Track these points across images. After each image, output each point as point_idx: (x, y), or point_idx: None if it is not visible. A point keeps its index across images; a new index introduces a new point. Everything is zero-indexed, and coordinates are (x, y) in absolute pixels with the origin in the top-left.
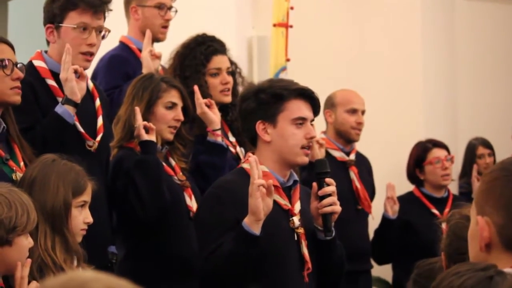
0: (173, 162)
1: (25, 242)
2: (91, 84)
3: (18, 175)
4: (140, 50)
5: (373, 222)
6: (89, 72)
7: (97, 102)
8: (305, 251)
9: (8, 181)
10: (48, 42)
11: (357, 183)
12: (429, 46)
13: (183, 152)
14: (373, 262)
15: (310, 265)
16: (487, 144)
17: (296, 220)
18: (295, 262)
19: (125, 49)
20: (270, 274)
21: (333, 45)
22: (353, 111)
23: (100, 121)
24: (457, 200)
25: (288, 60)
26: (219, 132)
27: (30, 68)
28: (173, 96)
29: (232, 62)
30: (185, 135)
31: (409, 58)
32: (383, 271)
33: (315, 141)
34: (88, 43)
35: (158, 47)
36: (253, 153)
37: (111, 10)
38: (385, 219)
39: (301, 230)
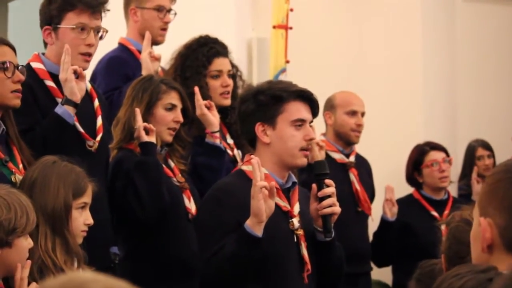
0: (172, 164)
1: (25, 243)
2: (89, 85)
3: (17, 177)
4: (139, 52)
5: (373, 224)
6: (88, 74)
7: (96, 103)
8: (304, 252)
9: (7, 183)
10: (45, 44)
11: (357, 185)
12: (429, 48)
13: (182, 154)
14: (372, 265)
15: (309, 266)
16: (486, 146)
17: (295, 221)
18: (295, 263)
19: (124, 51)
20: (270, 276)
21: (333, 47)
22: (353, 113)
23: (99, 121)
24: (457, 202)
25: (287, 62)
26: (217, 134)
27: (28, 70)
28: (173, 98)
29: (233, 65)
30: (184, 136)
31: (409, 60)
32: (383, 274)
33: (315, 143)
34: (86, 43)
35: (157, 48)
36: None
37: (108, 10)
38: (384, 221)
39: (300, 232)
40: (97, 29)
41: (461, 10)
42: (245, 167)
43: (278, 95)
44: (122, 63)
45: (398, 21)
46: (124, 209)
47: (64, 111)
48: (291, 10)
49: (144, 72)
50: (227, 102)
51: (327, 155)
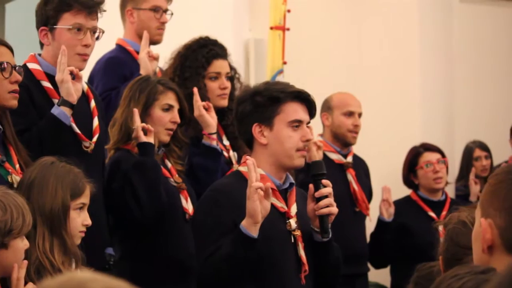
0: (169, 164)
1: (21, 244)
2: (85, 86)
3: (14, 177)
4: (137, 52)
5: (371, 225)
6: (85, 75)
7: (92, 103)
8: (302, 253)
9: (3, 183)
10: (42, 45)
11: (354, 186)
12: (426, 49)
13: (179, 155)
14: (370, 266)
15: (307, 267)
16: (484, 147)
17: (292, 222)
18: (292, 264)
19: (122, 51)
20: (267, 277)
21: (330, 48)
22: (350, 114)
23: (95, 122)
24: (455, 203)
25: (285, 63)
26: (214, 136)
27: (24, 71)
28: (170, 98)
29: (231, 67)
30: (181, 137)
31: (407, 61)
32: (381, 276)
33: (313, 143)
34: (83, 43)
35: (155, 47)
36: (250, 156)
37: (105, 10)
38: (380, 222)
39: (298, 233)
40: (93, 30)
41: (458, 11)
42: (242, 168)
43: (275, 96)
44: (119, 64)
45: (396, 22)
46: (122, 209)
47: (61, 112)
48: (289, 11)
49: (142, 72)
50: (224, 102)
51: (325, 156)
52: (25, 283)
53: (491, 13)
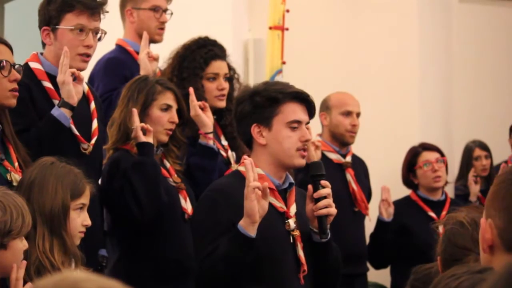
0: (168, 164)
1: (20, 245)
2: (86, 87)
3: (13, 175)
4: (137, 52)
5: (370, 225)
6: (85, 75)
7: (92, 105)
8: (300, 253)
9: (2, 181)
10: (44, 45)
11: (353, 185)
12: (425, 49)
13: (178, 155)
14: (369, 266)
15: (306, 267)
16: (484, 147)
17: (291, 222)
18: (291, 264)
19: (122, 52)
20: (266, 277)
21: (329, 47)
22: (348, 114)
23: (94, 124)
24: (455, 203)
25: (284, 62)
26: (211, 136)
27: (26, 70)
28: (168, 98)
29: (230, 68)
30: (180, 137)
31: (406, 61)
32: (380, 276)
33: (311, 143)
34: (85, 44)
35: (154, 47)
36: (249, 156)
37: (107, 12)
38: (380, 222)
39: (296, 233)
40: (95, 31)
41: (457, 11)
42: (241, 168)
43: (274, 97)
44: (120, 64)
45: (395, 22)
46: (121, 209)
47: (61, 113)
48: (287, 11)
49: (142, 72)
50: (222, 104)
51: (324, 156)
52: (25, 283)
53: (490, 13)
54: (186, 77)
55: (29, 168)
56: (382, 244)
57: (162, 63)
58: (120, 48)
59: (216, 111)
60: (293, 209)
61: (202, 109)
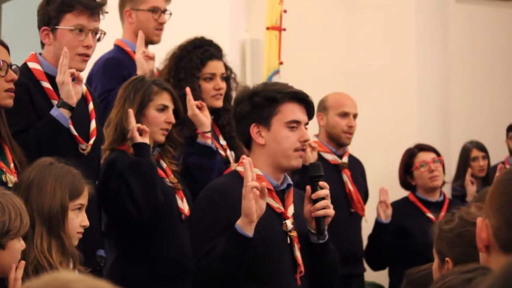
0: (164, 165)
1: (18, 245)
2: (84, 88)
3: (8, 176)
4: (135, 53)
5: (366, 226)
6: (83, 75)
7: (91, 106)
8: (297, 254)
9: None
10: (43, 45)
11: (350, 186)
12: (422, 50)
13: (174, 155)
14: (367, 267)
15: (302, 268)
16: (481, 147)
17: (289, 223)
18: (288, 265)
19: (120, 52)
20: (263, 277)
21: (326, 48)
22: (345, 115)
23: (93, 124)
24: (453, 203)
25: (281, 63)
26: (209, 135)
27: (25, 70)
28: (165, 99)
29: (227, 68)
30: (176, 137)
31: (403, 62)
32: (377, 276)
33: (307, 144)
34: (84, 44)
35: (151, 48)
36: (248, 157)
37: (107, 12)
38: (378, 224)
39: (294, 234)
40: (95, 31)
41: (454, 12)
42: (240, 168)
43: (272, 97)
44: (118, 65)
45: (392, 22)
46: (118, 210)
47: (60, 114)
48: (285, 11)
49: (139, 72)
50: (219, 103)
51: (320, 156)
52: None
53: (487, 14)
54: (183, 77)
55: (28, 168)
56: (380, 246)
57: (159, 64)
58: (118, 48)
59: (213, 111)
60: (290, 210)
61: (200, 108)
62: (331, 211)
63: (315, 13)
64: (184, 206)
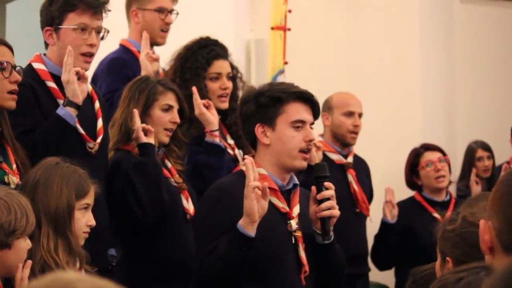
0: (169, 164)
1: (24, 244)
2: (90, 87)
3: (10, 177)
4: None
5: (371, 226)
6: (89, 75)
7: (97, 104)
8: (302, 254)
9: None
10: (46, 45)
11: (355, 186)
12: (427, 50)
13: (179, 155)
14: (373, 267)
15: (307, 268)
16: (486, 147)
17: (293, 223)
18: (293, 265)
19: (126, 52)
20: (267, 277)
21: (331, 48)
22: (350, 114)
23: (100, 123)
24: (459, 203)
25: (286, 63)
26: (217, 133)
27: (30, 71)
28: (170, 99)
29: (233, 67)
30: (181, 137)
31: (407, 62)
32: (382, 276)
33: (312, 143)
34: (88, 43)
35: (156, 49)
36: (253, 156)
37: (109, 10)
38: (384, 224)
39: (298, 234)
40: (98, 29)
41: (458, 12)
42: (244, 168)
43: (277, 96)
44: (123, 65)
45: (396, 22)
46: (123, 210)
47: (66, 112)
48: (289, 11)
49: (143, 73)
50: (225, 105)
51: (325, 156)
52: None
53: (491, 14)
54: (189, 78)
55: (34, 168)
56: (386, 246)
57: (165, 65)
58: (123, 48)
59: (220, 111)
60: (296, 210)
61: (207, 107)
62: (336, 212)
63: (320, 13)
64: (189, 206)
